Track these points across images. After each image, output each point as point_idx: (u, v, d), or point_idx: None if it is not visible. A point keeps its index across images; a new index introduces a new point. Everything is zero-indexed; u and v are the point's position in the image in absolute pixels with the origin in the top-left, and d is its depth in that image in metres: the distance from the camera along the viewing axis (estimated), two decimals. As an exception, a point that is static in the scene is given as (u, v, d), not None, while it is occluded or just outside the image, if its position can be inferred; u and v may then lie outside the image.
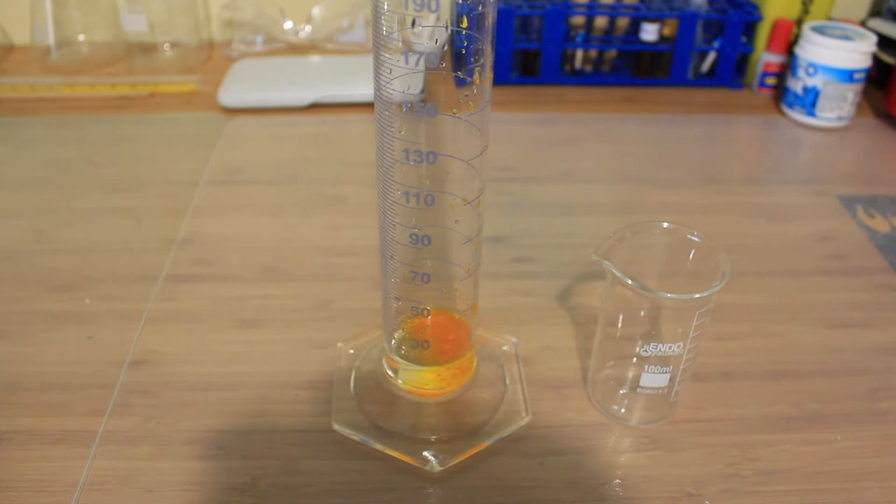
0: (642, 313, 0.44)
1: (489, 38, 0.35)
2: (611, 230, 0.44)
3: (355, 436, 0.44)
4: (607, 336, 0.46)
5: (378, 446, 0.44)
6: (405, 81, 0.35)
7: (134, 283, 0.57)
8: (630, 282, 0.41)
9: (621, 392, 0.47)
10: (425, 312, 0.43)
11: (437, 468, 0.43)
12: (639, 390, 0.45)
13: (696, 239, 0.44)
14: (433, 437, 0.44)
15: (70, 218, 0.65)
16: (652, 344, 0.43)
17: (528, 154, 0.76)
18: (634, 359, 0.46)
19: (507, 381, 0.48)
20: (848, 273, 0.60)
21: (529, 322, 0.54)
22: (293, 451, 0.44)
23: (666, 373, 0.44)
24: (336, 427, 0.45)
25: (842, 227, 0.66)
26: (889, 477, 0.44)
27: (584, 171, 0.74)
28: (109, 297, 0.56)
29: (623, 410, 0.47)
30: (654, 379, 0.44)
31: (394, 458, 0.43)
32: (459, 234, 0.40)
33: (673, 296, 0.41)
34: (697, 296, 0.40)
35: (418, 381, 0.46)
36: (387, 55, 0.34)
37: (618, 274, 0.41)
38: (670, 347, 0.42)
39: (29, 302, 0.55)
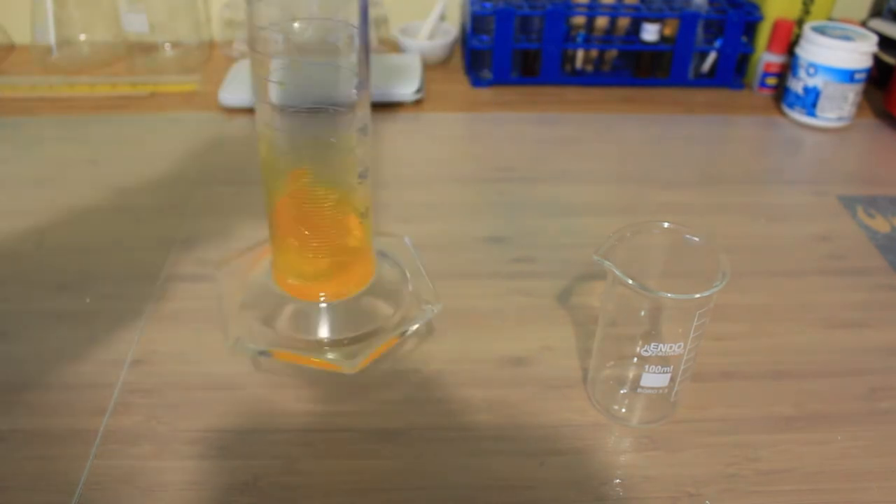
0: (642, 313, 0.44)
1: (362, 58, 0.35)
2: (611, 230, 0.44)
3: (254, 348, 0.41)
4: (608, 336, 0.46)
5: (283, 355, 0.41)
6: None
7: (134, 283, 0.57)
8: (630, 282, 0.41)
9: (622, 392, 0.47)
10: (318, 200, 0.42)
11: (351, 369, 0.41)
12: (639, 390, 0.45)
13: (696, 239, 0.44)
14: (341, 339, 0.43)
15: (70, 218, 0.65)
16: (652, 344, 0.43)
17: (528, 154, 0.76)
18: (635, 359, 0.46)
19: (409, 275, 0.47)
20: (848, 273, 0.60)
21: (529, 322, 0.54)
22: (293, 451, 0.44)
23: (666, 373, 0.44)
24: (231, 344, 0.42)
25: (842, 227, 0.66)
26: (889, 477, 0.44)
27: (584, 171, 0.74)
28: (110, 297, 0.56)
29: (623, 410, 0.47)
30: (654, 379, 0.44)
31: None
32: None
33: (673, 296, 0.41)
34: (698, 296, 0.40)
35: (315, 283, 0.44)
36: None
37: (618, 274, 0.41)
38: (671, 347, 0.43)
39: (29, 301, 0.55)
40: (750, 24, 0.87)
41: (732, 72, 0.89)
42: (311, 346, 0.42)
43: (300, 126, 0.38)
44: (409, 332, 0.43)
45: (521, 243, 0.62)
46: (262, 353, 0.41)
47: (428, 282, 0.47)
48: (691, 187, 0.71)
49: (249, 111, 0.82)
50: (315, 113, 0.38)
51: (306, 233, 0.42)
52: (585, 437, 0.46)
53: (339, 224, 0.43)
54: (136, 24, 0.89)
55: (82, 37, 0.93)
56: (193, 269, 0.58)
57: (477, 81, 0.89)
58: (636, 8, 0.89)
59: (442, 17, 0.99)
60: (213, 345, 0.51)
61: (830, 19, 0.86)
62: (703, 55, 0.89)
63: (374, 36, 0.95)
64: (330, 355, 0.41)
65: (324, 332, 0.44)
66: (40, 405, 0.47)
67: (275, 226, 0.44)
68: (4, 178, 0.71)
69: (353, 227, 0.44)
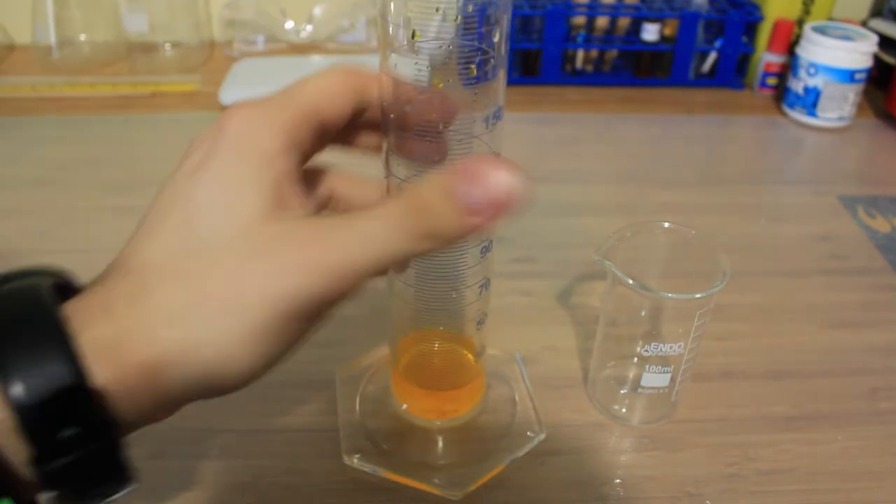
0: (643, 313, 0.44)
1: (500, 40, 0.35)
2: (611, 230, 0.44)
3: (368, 468, 0.43)
4: (608, 336, 0.46)
5: (392, 476, 0.43)
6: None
7: (134, 283, 0.57)
8: (631, 282, 0.41)
9: (622, 392, 0.47)
10: (435, 347, 0.43)
11: (458, 495, 0.41)
12: (639, 390, 0.45)
13: (696, 239, 0.44)
14: (446, 463, 0.44)
15: (71, 218, 0.65)
16: (653, 344, 0.43)
17: (528, 154, 0.76)
18: (635, 359, 0.46)
19: (517, 398, 0.48)
20: (848, 273, 0.60)
21: (530, 322, 0.54)
22: (293, 451, 0.44)
23: (667, 373, 0.44)
24: (346, 460, 0.43)
25: (842, 227, 0.66)
26: (889, 477, 0.44)
27: (584, 171, 0.74)
28: (110, 297, 0.55)
29: (624, 410, 0.47)
30: (654, 379, 0.44)
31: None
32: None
33: (673, 296, 0.41)
34: (698, 296, 0.40)
35: (427, 406, 0.45)
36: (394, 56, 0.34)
37: (618, 274, 0.41)
38: (671, 347, 0.43)
39: (30, 301, 0.55)
40: (750, 24, 0.87)
41: (733, 72, 0.89)
42: (416, 466, 0.43)
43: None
44: (513, 460, 0.44)
45: (521, 243, 0.62)
46: (373, 471, 0.43)
47: (534, 405, 0.47)
48: (691, 187, 0.71)
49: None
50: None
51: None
52: (585, 437, 0.46)
53: (453, 363, 0.45)
54: (136, 24, 0.89)
55: (83, 37, 0.93)
56: (194, 269, 0.58)
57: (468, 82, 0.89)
58: (636, 8, 0.89)
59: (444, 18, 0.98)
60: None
61: (831, 19, 0.86)
62: (704, 55, 0.89)
63: (373, 35, 0.95)
64: (436, 480, 0.42)
65: (431, 453, 0.45)
66: (41, 405, 0.47)
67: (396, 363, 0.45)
68: (4, 178, 0.71)
69: (468, 364, 0.45)
